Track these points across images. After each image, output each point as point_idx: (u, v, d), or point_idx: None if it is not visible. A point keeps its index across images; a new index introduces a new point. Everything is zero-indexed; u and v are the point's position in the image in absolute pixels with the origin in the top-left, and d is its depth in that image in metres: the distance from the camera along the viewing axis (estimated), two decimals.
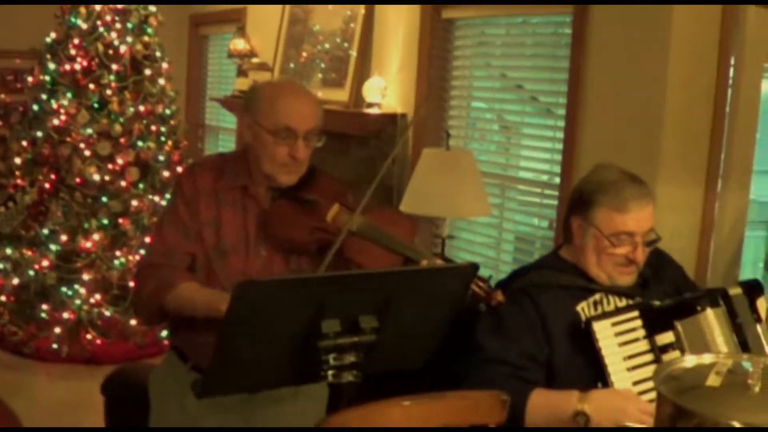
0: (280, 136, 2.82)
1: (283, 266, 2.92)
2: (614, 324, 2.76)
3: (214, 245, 2.89)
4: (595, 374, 2.74)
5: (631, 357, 2.75)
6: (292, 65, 6.63)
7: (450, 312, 2.48)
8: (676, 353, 2.72)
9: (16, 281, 6.04)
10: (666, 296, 2.89)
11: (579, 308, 2.85)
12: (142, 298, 2.90)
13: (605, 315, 2.80)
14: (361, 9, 5.82)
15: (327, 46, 6.24)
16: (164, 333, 6.00)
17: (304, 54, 6.50)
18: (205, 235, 2.89)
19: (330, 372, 2.21)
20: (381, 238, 2.84)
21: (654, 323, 2.78)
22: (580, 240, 2.91)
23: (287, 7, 6.72)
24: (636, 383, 2.69)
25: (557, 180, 4.57)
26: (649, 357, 2.75)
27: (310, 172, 2.97)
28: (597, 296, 2.88)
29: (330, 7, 6.22)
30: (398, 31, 5.58)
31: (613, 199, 2.82)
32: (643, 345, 2.77)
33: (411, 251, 2.86)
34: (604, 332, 2.75)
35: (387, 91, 5.52)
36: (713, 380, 1.86)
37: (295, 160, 2.85)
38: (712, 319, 2.82)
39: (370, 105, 5.51)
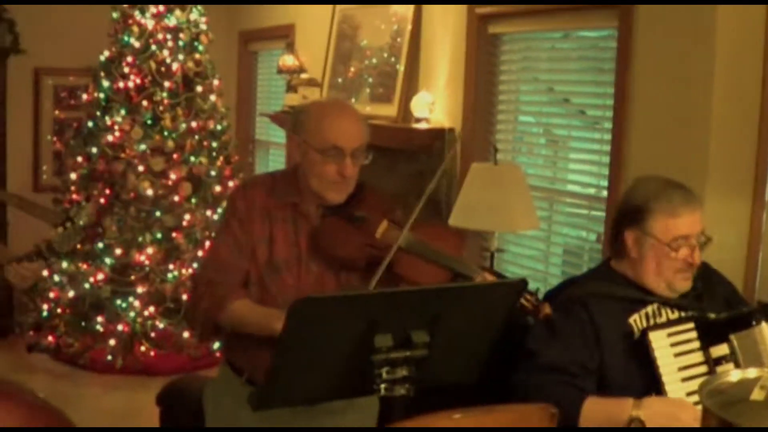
0: (328, 154, 2.87)
1: (334, 282, 2.95)
2: (670, 335, 2.77)
3: (266, 261, 2.93)
4: (647, 384, 2.75)
5: (685, 368, 2.75)
6: (340, 80, 6.66)
7: (500, 326, 2.50)
8: (730, 365, 2.72)
9: (71, 294, 6.12)
10: (719, 310, 2.89)
11: (631, 320, 2.86)
12: (197, 314, 2.95)
13: (661, 325, 2.81)
14: (408, 24, 5.85)
15: (375, 61, 6.27)
16: (217, 345, 6.06)
17: (352, 69, 6.54)
18: (258, 251, 2.94)
19: (382, 385, 2.23)
20: (430, 254, 2.88)
21: (709, 335, 2.79)
22: (636, 252, 2.91)
23: (335, 23, 6.76)
24: (689, 394, 2.69)
25: (605, 193, 4.55)
26: (704, 369, 2.76)
27: (359, 189, 3.01)
28: (649, 309, 2.88)
29: (377, 22, 6.25)
30: (445, 46, 5.60)
31: (666, 205, 2.85)
32: (698, 356, 2.77)
33: (460, 266, 2.89)
34: (659, 342, 2.76)
35: (435, 105, 5.52)
36: (758, 394, 1.87)
37: (343, 178, 2.90)
38: (766, 332, 2.81)
39: (418, 120, 5.52)
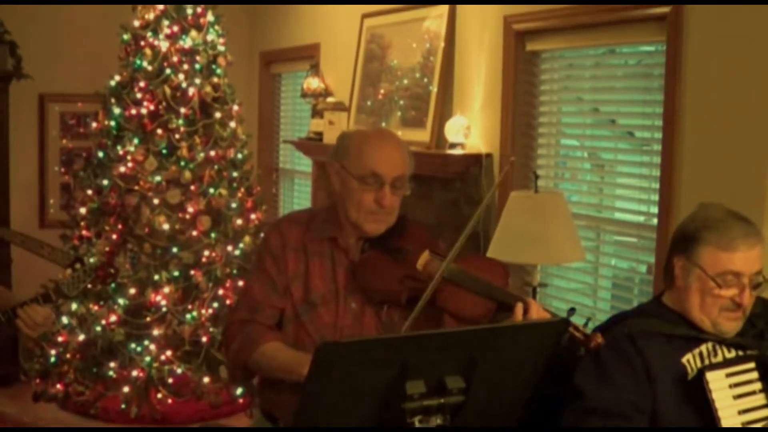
0: (367, 181, 2.95)
1: (375, 318, 3.01)
2: (729, 375, 2.76)
3: (302, 298, 3.02)
4: (703, 427, 2.74)
5: (746, 411, 2.74)
6: (369, 103, 6.68)
7: (542, 368, 2.50)
8: None
9: (81, 338, 6.14)
10: None
11: (685, 360, 2.85)
12: (229, 355, 3.05)
13: (719, 365, 2.80)
14: (441, 42, 5.86)
15: (405, 82, 6.28)
16: (240, 391, 6.07)
17: (382, 91, 6.55)
18: (294, 289, 3.03)
19: None
20: (474, 284, 2.93)
21: None
22: (682, 282, 2.92)
23: (363, 41, 6.79)
24: None
25: (655, 221, 4.53)
26: (766, 412, 2.74)
27: (401, 222, 3.09)
28: (704, 348, 2.87)
29: (408, 40, 6.27)
30: (480, 65, 5.62)
31: (720, 237, 2.83)
32: (760, 399, 2.76)
33: (505, 296, 2.92)
34: (718, 383, 2.75)
35: (470, 130, 5.54)
36: None
37: (381, 208, 2.96)
38: None
39: (452, 145, 5.53)
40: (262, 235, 6.06)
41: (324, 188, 7.02)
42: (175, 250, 6.11)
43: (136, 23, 6.44)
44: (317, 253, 3.05)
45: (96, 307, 6.11)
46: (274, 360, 2.91)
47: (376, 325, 3.02)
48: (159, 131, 6.21)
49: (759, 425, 2.70)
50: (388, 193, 2.96)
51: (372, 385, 2.26)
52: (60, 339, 6.17)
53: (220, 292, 6.15)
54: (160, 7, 6.34)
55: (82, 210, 6.36)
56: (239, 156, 6.55)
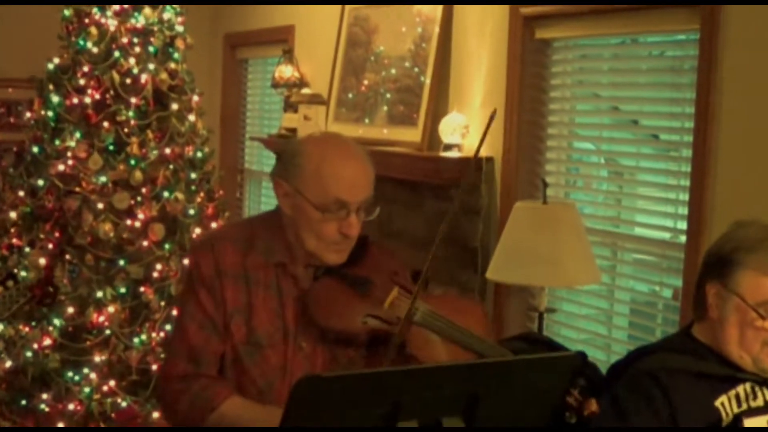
0: (330, 210, 2.88)
1: (330, 360, 2.96)
2: None
3: (244, 338, 2.94)
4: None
5: None
6: (350, 95, 6.68)
7: (551, 409, 2.51)
8: None
9: (9, 364, 6.05)
10: None
11: (719, 403, 2.85)
12: (176, 419, 2.96)
13: (760, 410, 2.80)
14: (436, 27, 5.86)
15: (394, 72, 6.28)
16: None
17: (366, 82, 6.55)
18: (234, 326, 2.94)
19: None
20: (450, 332, 2.91)
21: None
22: (717, 312, 2.91)
23: (345, 25, 6.79)
24: None
25: (683, 239, 4.54)
26: None
27: (361, 244, 3.03)
28: (741, 389, 2.87)
29: (398, 24, 6.25)
30: (481, 55, 5.63)
31: (762, 259, 2.83)
32: None
33: (486, 348, 2.90)
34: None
35: (468, 130, 5.54)
36: None
37: (345, 238, 2.91)
38: None
39: (447, 147, 5.53)
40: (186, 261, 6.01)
41: None
42: (122, 262, 6.05)
43: None
44: (261, 281, 2.97)
45: (27, 329, 6.03)
46: (240, 421, 2.85)
47: (331, 368, 2.96)
48: (105, 124, 6.13)
49: None
50: (355, 221, 2.91)
51: (358, 426, 2.24)
52: None
53: (174, 312, 6.07)
54: None
55: (13, 214, 6.26)
56: (199, 154, 6.50)
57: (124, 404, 6.03)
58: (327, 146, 3.01)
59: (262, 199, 8.61)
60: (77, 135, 6.14)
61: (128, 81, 6.23)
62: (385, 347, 2.80)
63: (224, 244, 3.00)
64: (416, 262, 3.19)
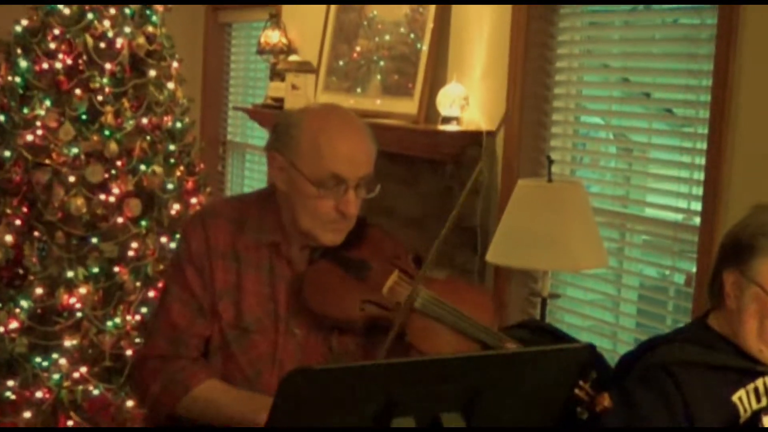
0: (326, 186, 2.87)
1: (323, 349, 2.96)
2: None
3: (232, 321, 2.93)
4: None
5: None
6: (341, 63, 6.67)
7: (557, 406, 2.49)
8: None
9: None
10: None
11: (736, 398, 2.87)
12: (146, 401, 2.96)
13: None
14: None
15: (388, 38, 6.25)
16: None
17: (358, 49, 6.53)
18: (222, 308, 2.94)
19: None
20: (453, 320, 2.90)
21: None
22: (735, 302, 2.92)
23: None
24: None
25: (697, 220, 4.53)
26: None
27: (359, 225, 3.03)
28: (760, 383, 2.89)
29: None
30: (483, 21, 5.60)
31: None
32: None
33: (493, 338, 2.88)
34: None
35: (468, 101, 5.52)
36: None
37: (343, 217, 2.89)
38: None
39: (446, 120, 5.50)
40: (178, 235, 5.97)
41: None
42: (95, 240, 6.01)
43: None
44: (252, 262, 2.97)
45: None
46: (214, 405, 2.84)
47: (325, 357, 2.96)
48: (77, 91, 6.09)
49: None
50: (353, 198, 2.90)
51: (351, 423, 2.23)
52: None
53: (151, 294, 6.07)
54: None
55: None
56: (178, 125, 6.47)
57: (96, 392, 5.99)
58: (325, 117, 3.00)
59: (246, 173, 8.64)
60: (47, 103, 6.10)
61: (102, 45, 6.17)
62: (384, 335, 2.78)
63: (216, 220, 3.01)
64: (409, 242, 3.17)
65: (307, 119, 2.96)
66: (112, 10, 6.17)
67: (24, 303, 5.93)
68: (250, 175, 8.56)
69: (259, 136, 8.08)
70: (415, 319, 2.86)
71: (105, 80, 6.12)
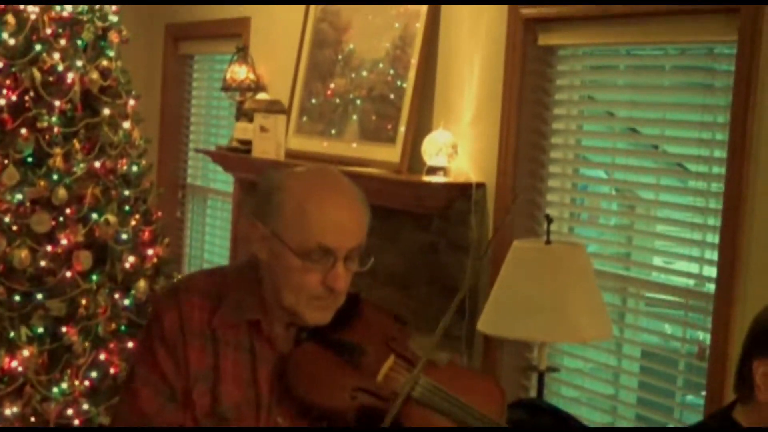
0: (312, 258, 2.81)
1: None
2: None
3: (208, 409, 2.87)
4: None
5: None
6: (314, 101, 6.66)
7: None
8: None
9: None
10: None
11: None
12: None
13: None
14: (419, 25, 5.80)
15: (365, 74, 6.21)
16: None
17: (333, 86, 6.50)
18: (196, 394, 2.87)
19: None
20: (455, 412, 2.84)
21: None
22: (766, 394, 2.88)
23: (310, 20, 6.77)
24: None
25: (711, 287, 4.51)
26: None
27: (351, 302, 2.97)
28: None
29: (373, 18, 6.22)
30: (474, 61, 5.61)
31: None
32: None
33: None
34: None
35: (456, 150, 5.51)
36: None
37: (331, 292, 2.83)
38: None
39: (431, 170, 5.50)
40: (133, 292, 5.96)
41: (244, 239, 6.88)
42: (40, 296, 6.03)
43: None
44: (231, 342, 2.91)
45: None
46: None
47: None
48: (23, 131, 6.11)
49: None
50: (342, 272, 2.83)
51: None
52: None
53: (102, 357, 6.08)
54: None
55: None
56: (134, 169, 6.51)
57: None
58: (312, 181, 2.95)
59: (207, 220, 8.64)
60: None
61: (51, 80, 6.22)
62: (377, 426, 2.74)
63: (192, 296, 2.95)
64: (390, 304, 3.12)
65: (291, 183, 2.90)
66: (63, 42, 6.18)
67: None
68: (211, 222, 8.55)
69: (221, 180, 8.07)
70: (413, 409, 2.81)
71: (54, 119, 6.16)
